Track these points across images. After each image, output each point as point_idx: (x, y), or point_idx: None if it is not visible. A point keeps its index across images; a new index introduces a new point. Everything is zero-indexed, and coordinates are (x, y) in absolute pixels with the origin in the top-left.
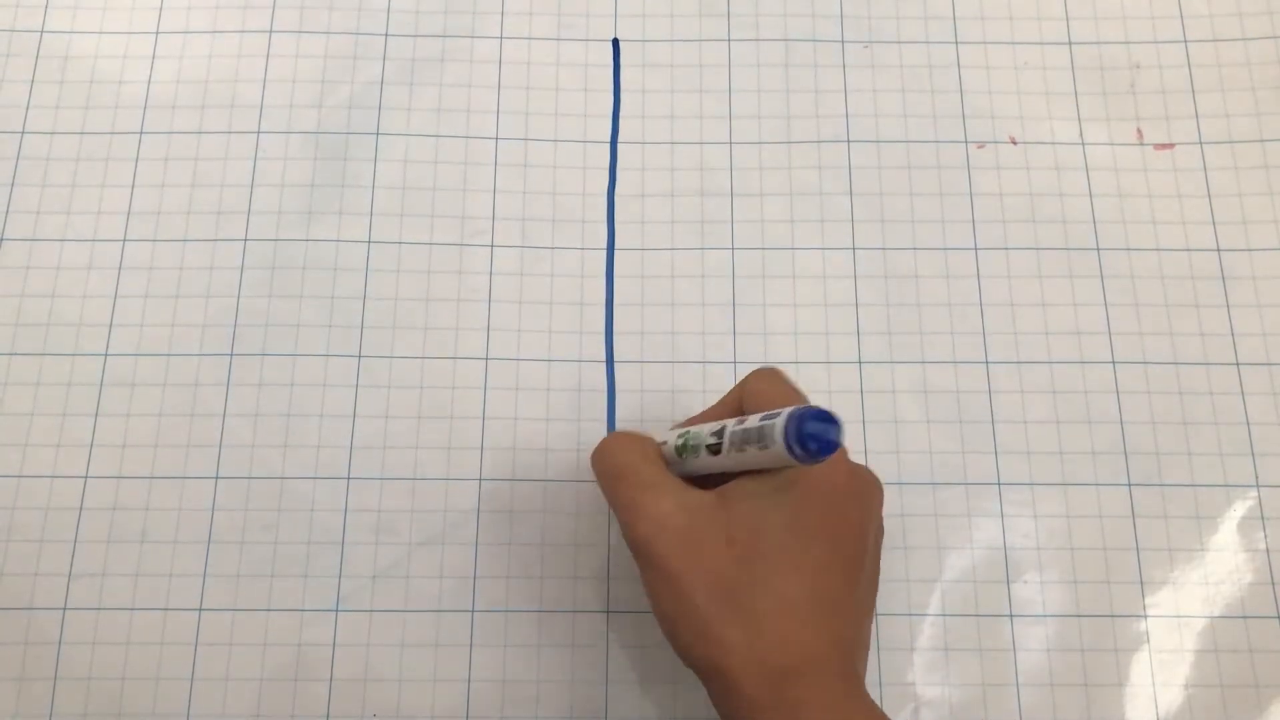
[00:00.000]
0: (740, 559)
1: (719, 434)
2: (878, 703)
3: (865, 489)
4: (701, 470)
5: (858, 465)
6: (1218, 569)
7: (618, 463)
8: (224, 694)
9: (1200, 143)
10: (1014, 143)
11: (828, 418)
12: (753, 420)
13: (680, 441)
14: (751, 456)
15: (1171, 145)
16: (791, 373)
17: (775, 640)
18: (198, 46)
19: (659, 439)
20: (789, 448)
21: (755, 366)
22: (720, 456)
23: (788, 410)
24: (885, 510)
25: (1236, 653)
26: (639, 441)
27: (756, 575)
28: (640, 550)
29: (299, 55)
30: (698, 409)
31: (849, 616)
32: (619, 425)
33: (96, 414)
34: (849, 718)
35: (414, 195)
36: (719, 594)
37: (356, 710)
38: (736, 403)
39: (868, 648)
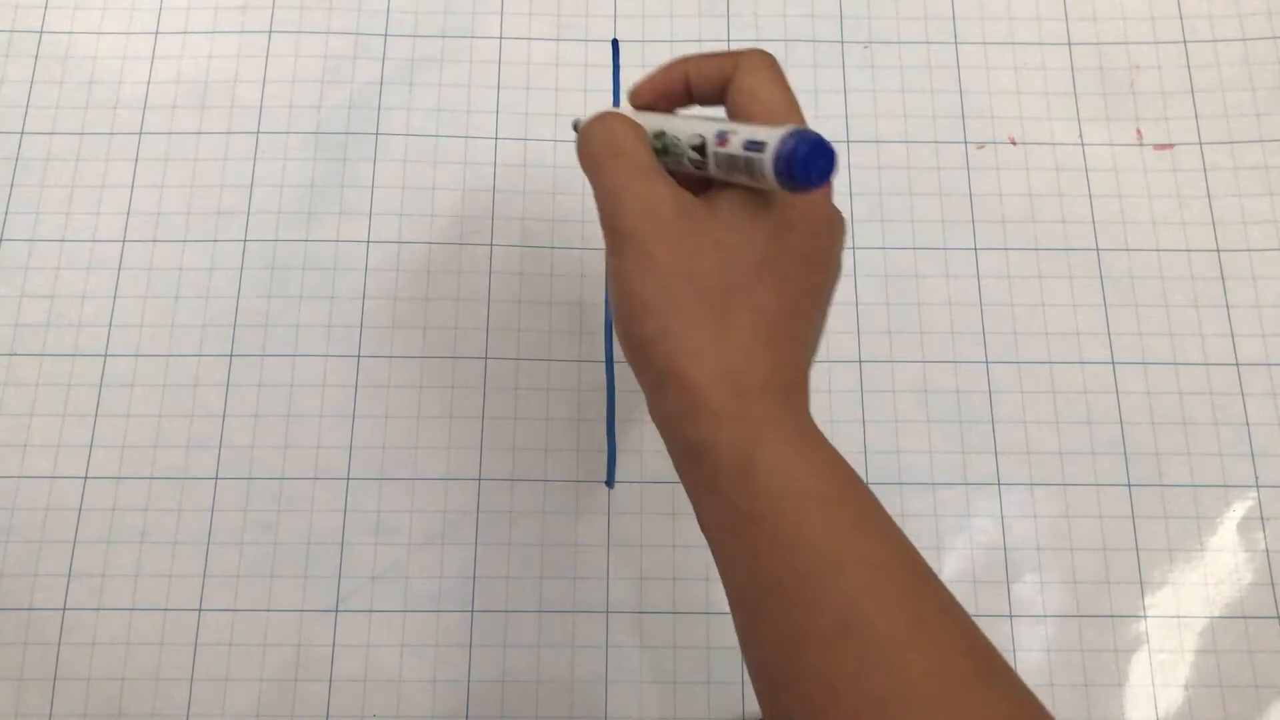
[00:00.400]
0: (725, 264)
1: (700, 149)
2: None
3: (839, 226)
4: (680, 172)
5: (834, 207)
6: (1217, 569)
7: (616, 142)
8: (224, 694)
9: (1200, 143)
10: (1014, 143)
11: (823, 150)
12: (737, 141)
13: (660, 143)
14: (737, 175)
15: (1171, 145)
16: None
17: (746, 352)
18: (197, 47)
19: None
20: (780, 180)
21: None
22: (702, 171)
23: (779, 136)
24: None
25: (1236, 653)
26: (635, 127)
27: (738, 285)
28: (625, 232)
29: (298, 55)
30: None
31: (811, 344)
32: (619, 423)
33: (96, 414)
34: (809, 443)
35: (413, 195)
36: (699, 294)
37: (356, 710)
38: (720, 84)
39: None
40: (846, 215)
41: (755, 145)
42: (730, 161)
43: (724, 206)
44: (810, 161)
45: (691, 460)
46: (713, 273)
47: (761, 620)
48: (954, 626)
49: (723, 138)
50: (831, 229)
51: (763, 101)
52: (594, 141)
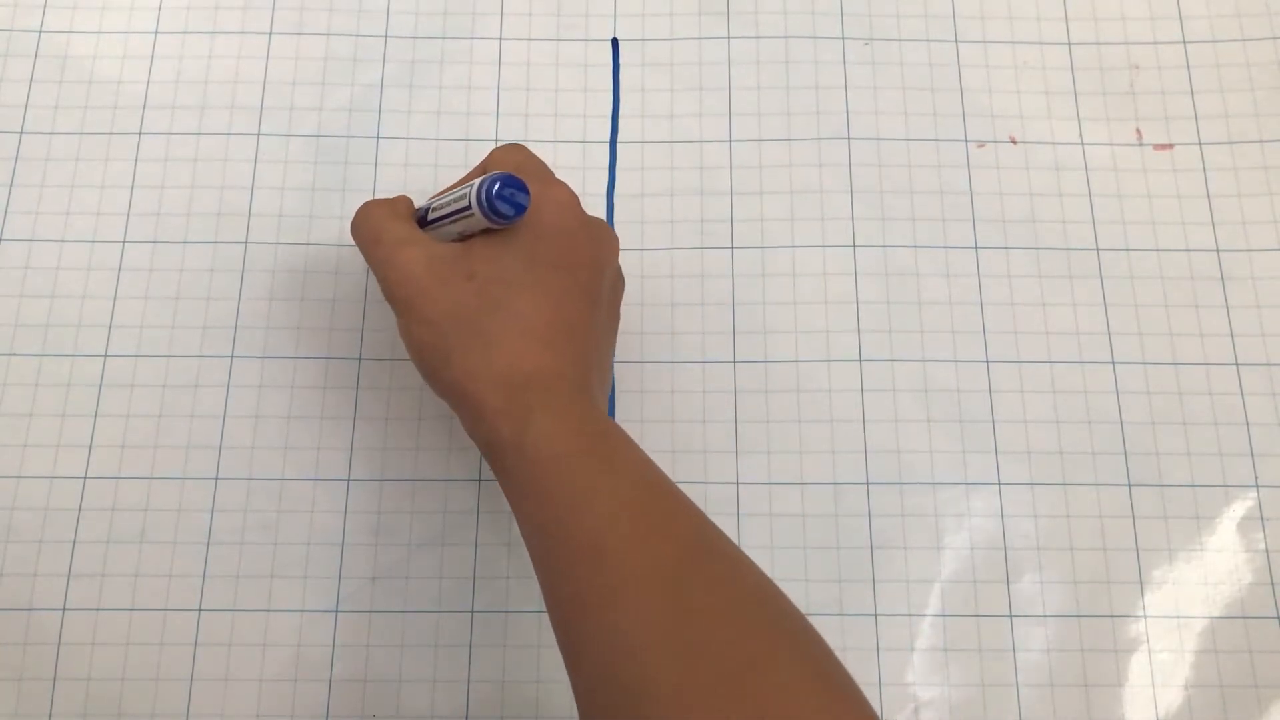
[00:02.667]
0: (480, 291)
1: (426, 215)
2: (876, 708)
3: (598, 231)
4: (447, 237)
5: (593, 217)
6: (1217, 569)
7: (371, 226)
8: (224, 694)
9: (1199, 143)
10: (1014, 142)
11: (514, 182)
12: (455, 191)
13: (419, 215)
14: (466, 223)
15: (1171, 146)
16: (792, 371)
17: (511, 357)
18: (197, 47)
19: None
20: (483, 211)
21: (755, 365)
22: (438, 225)
23: (479, 179)
24: (885, 510)
25: (1236, 653)
26: (390, 204)
27: (496, 302)
28: (393, 298)
29: (299, 57)
30: (697, 408)
31: (584, 339)
32: (617, 422)
33: (96, 415)
34: (574, 413)
35: (414, 198)
36: (461, 324)
37: (356, 710)
38: (481, 172)
39: (607, 383)
40: (847, 213)
41: (466, 186)
42: (444, 203)
43: (477, 244)
44: (508, 184)
45: (489, 459)
46: (471, 301)
47: (541, 571)
48: (678, 530)
49: (444, 191)
50: (590, 237)
51: (504, 166)
52: (356, 231)
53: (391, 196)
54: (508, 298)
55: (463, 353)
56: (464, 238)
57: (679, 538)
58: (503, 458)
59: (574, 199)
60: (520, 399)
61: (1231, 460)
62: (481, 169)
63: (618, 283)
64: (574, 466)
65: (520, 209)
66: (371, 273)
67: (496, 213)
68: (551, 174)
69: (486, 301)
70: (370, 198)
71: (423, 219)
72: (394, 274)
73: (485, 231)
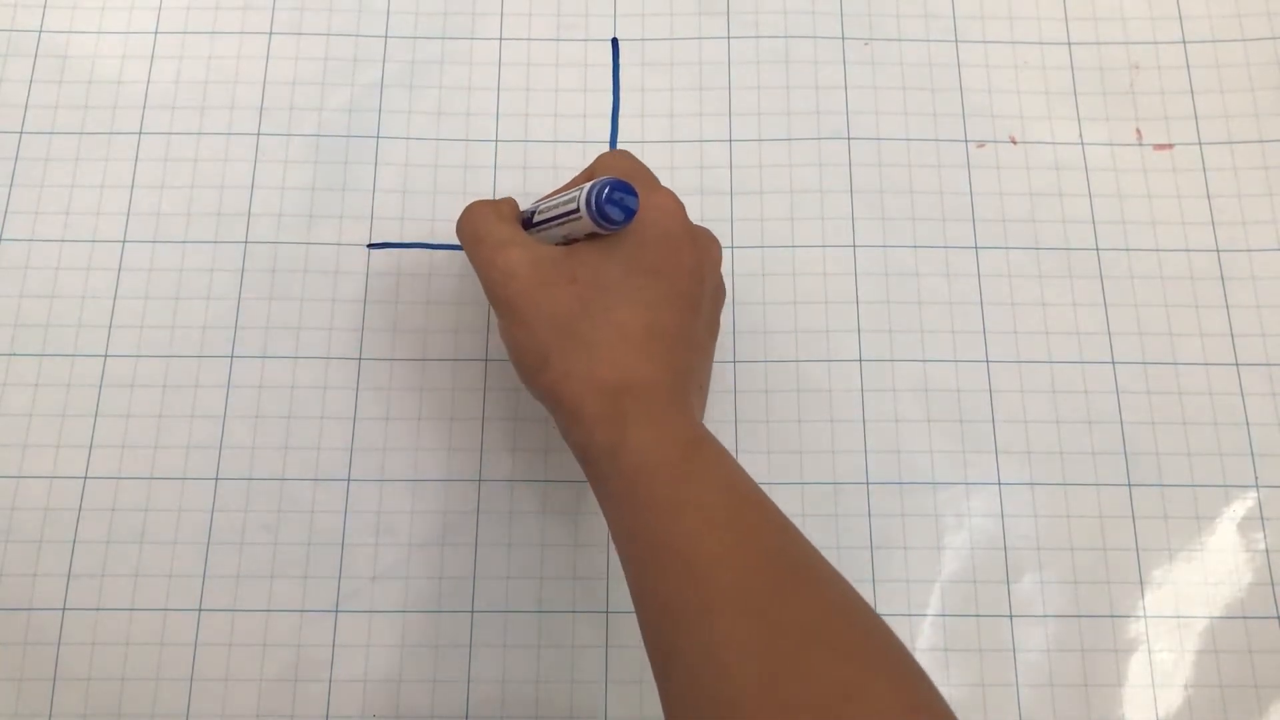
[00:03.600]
0: (581, 296)
1: (531, 217)
2: None
3: (702, 239)
4: (552, 240)
5: (697, 225)
6: (1217, 569)
7: (475, 226)
8: (224, 694)
9: (1199, 143)
10: (1014, 142)
11: (624, 187)
12: (563, 195)
13: (525, 215)
14: (572, 226)
15: (1171, 146)
16: (792, 371)
17: (610, 364)
18: (197, 47)
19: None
20: (592, 216)
21: (755, 365)
22: (543, 228)
23: (589, 183)
24: (885, 510)
25: (1236, 653)
26: (495, 206)
27: (595, 308)
28: (495, 299)
29: (299, 57)
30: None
31: (682, 349)
32: None
33: (96, 415)
34: (670, 424)
35: (414, 199)
36: (561, 327)
37: (356, 710)
38: (587, 177)
39: (705, 389)
40: (847, 213)
41: (571, 201)
42: (552, 206)
43: (581, 248)
44: (618, 188)
45: (584, 464)
46: (572, 305)
47: (632, 577)
48: (770, 546)
49: (552, 195)
50: (693, 245)
51: (613, 171)
52: (461, 231)
53: (491, 199)
54: (608, 304)
55: (561, 357)
56: (568, 241)
57: (771, 553)
58: (597, 464)
59: (679, 206)
60: (617, 406)
61: (1231, 460)
62: (588, 174)
63: (718, 292)
64: (667, 477)
65: (629, 215)
66: (477, 274)
67: (605, 217)
68: (657, 180)
69: (587, 307)
70: (370, 197)
71: (527, 221)
72: (496, 275)
73: (590, 236)
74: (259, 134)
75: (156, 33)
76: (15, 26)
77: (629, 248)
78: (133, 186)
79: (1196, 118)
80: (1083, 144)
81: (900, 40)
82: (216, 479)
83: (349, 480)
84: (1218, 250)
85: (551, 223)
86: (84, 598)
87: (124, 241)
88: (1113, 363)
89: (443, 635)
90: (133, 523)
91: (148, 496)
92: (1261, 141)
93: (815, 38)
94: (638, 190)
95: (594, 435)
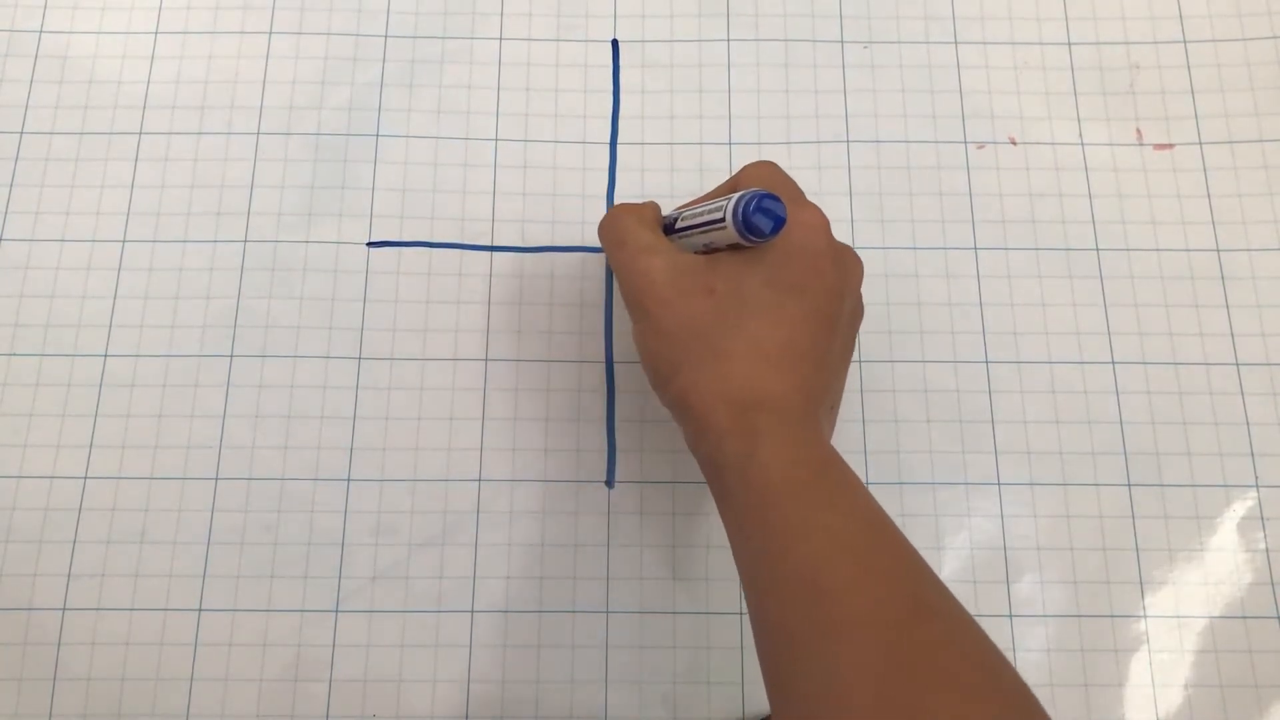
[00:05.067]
0: (718, 307)
1: (674, 224)
2: None
3: (844, 257)
4: (693, 248)
5: (841, 243)
6: (1217, 569)
7: (618, 230)
8: (224, 694)
9: (1200, 143)
10: (1014, 143)
11: (773, 200)
12: (708, 204)
13: (668, 221)
14: (715, 236)
15: (1171, 145)
16: None
17: (742, 378)
18: (197, 47)
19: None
20: (738, 227)
21: None
22: (685, 235)
23: (737, 194)
24: (884, 509)
25: (1236, 653)
26: (638, 210)
27: (731, 321)
28: (632, 304)
29: (299, 57)
30: None
31: (816, 368)
32: (618, 423)
33: (96, 414)
34: (800, 443)
35: (414, 197)
36: (695, 337)
37: (356, 710)
38: (732, 187)
39: (835, 409)
40: (846, 215)
41: (722, 200)
42: (694, 215)
43: (722, 258)
44: (766, 199)
45: (710, 474)
46: (708, 316)
47: (751, 594)
48: (898, 575)
49: (697, 202)
50: (836, 263)
51: (759, 182)
52: (603, 234)
53: (635, 203)
54: (745, 317)
55: (693, 367)
56: (709, 250)
57: (898, 582)
58: (724, 478)
59: (825, 222)
60: (747, 421)
61: (1231, 460)
62: (732, 184)
63: (857, 311)
64: (795, 496)
65: (776, 227)
66: (614, 274)
67: (752, 229)
68: (803, 194)
69: (723, 318)
70: (370, 195)
71: (669, 227)
72: (635, 280)
73: (732, 246)
74: (258, 133)
75: (156, 33)
76: (15, 26)
77: (771, 262)
78: (132, 186)
79: (1197, 117)
80: (1083, 144)
81: (900, 43)
82: (216, 479)
83: (349, 480)
84: (1218, 250)
85: (694, 230)
86: (84, 598)
87: (124, 241)
88: (1112, 363)
89: (443, 635)
90: (133, 523)
91: (148, 496)
92: (1261, 141)
93: (815, 41)
94: (784, 203)
95: (722, 447)
